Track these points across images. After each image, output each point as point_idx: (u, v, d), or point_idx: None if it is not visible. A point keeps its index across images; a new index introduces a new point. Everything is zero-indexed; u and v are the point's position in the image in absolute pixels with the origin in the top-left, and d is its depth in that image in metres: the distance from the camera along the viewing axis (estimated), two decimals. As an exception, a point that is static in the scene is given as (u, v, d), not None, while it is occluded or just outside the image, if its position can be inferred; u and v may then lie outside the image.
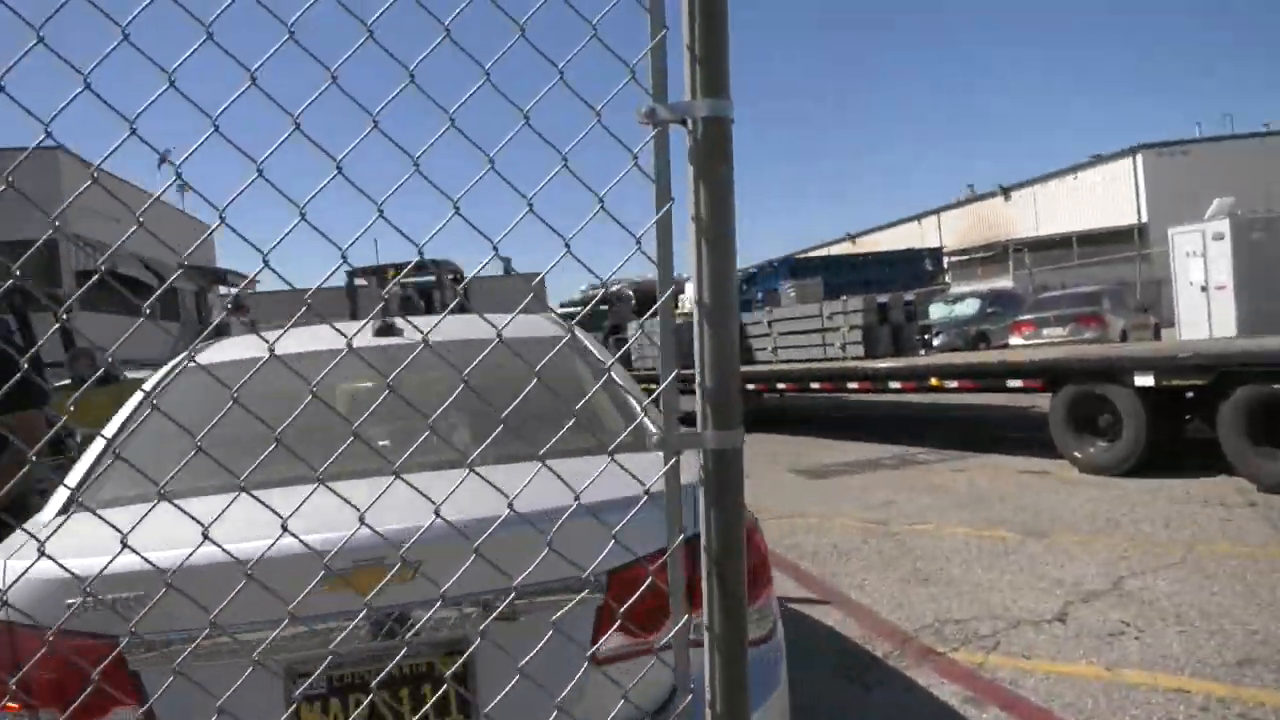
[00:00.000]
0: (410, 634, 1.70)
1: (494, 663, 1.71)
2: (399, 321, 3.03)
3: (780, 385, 12.79)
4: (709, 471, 1.22)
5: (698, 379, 1.20)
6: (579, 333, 3.08)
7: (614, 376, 2.68)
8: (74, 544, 1.79)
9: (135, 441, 2.38)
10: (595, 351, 3.07)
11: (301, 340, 2.90)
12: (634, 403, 2.60)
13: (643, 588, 1.69)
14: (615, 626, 1.78)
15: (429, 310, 14.56)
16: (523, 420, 2.25)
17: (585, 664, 1.73)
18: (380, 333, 2.97)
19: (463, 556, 1.64)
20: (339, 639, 1.64)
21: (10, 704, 1.64)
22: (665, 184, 1.17)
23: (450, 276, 13.00)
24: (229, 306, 28.23)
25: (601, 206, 1.21)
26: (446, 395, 2.39)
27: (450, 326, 2.94)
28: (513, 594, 1.66)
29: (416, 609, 1.70)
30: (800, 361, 13.08)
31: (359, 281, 14.72)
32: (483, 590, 1.71)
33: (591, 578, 1.76)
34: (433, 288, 14.60)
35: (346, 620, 1.64)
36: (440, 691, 1.72)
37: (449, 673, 1.75)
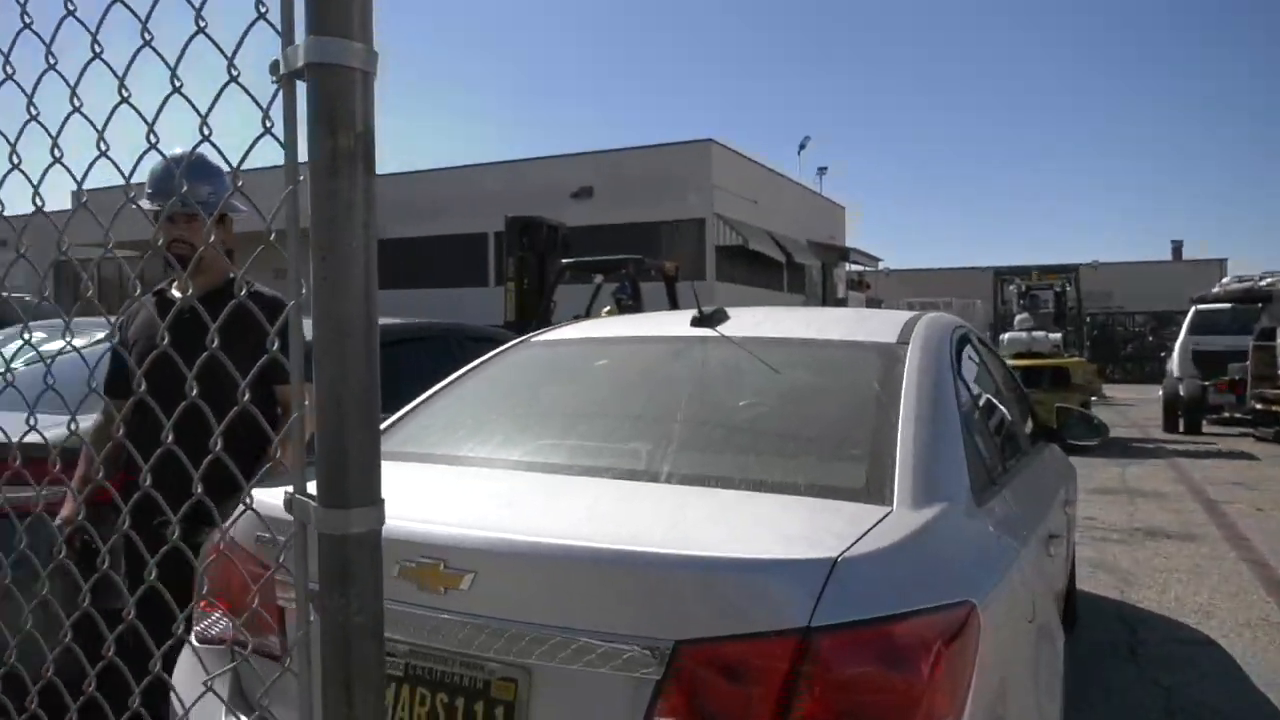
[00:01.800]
0: (459, 644, 1.57)
1: (549, 702, 1.49)
2: (723, 311, 2.80)
3: None
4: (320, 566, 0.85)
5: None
6: (921, 347, 2.38)
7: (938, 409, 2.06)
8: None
9: (439, 402, 2.60)
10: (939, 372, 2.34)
11: (625, 327, 2.88)
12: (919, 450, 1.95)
13: (711, 673, 1.35)
14: (667, 710, 1.41)
15: None
16: (777, 440, 1.96)
17: None
18: (697, 322, 2.77)
19: (527, 576, 1.49)
20: (395, 628, 1.60)
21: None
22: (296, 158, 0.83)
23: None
24: (853, 282, 29.80)
25: (237, 187, 0.91)
26: (736, 396, 2.19)
27: (782, 323, 2.64)
28: (562, 635, 1.45)
29: (477, 619, 1.56)
30: None
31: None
32: (544, 621, 1.49)
33: (642, 645, 1.42)
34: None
35: (417, 610, 1.59)
36: (489, 714, 1.56)
37: (497, 698, 1.58)
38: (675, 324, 2.69)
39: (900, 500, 1.70)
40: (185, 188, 1.13)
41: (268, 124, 0.81)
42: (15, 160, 1.11)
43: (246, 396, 0.88)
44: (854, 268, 32.52)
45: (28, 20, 1.03)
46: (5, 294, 2.00)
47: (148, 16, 0.90)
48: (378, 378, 0.79)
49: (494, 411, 2.47)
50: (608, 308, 10.25)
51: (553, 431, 2.27)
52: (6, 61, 1.07)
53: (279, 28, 0.80)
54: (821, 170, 32.59)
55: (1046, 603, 2.07)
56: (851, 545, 1.48)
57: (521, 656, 1.52)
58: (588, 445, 2.14)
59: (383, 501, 0.80)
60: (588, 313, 10.19)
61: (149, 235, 1.41)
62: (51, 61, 1.01)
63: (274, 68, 0.80)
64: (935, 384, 2.15)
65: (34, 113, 1.07)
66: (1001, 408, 3.01)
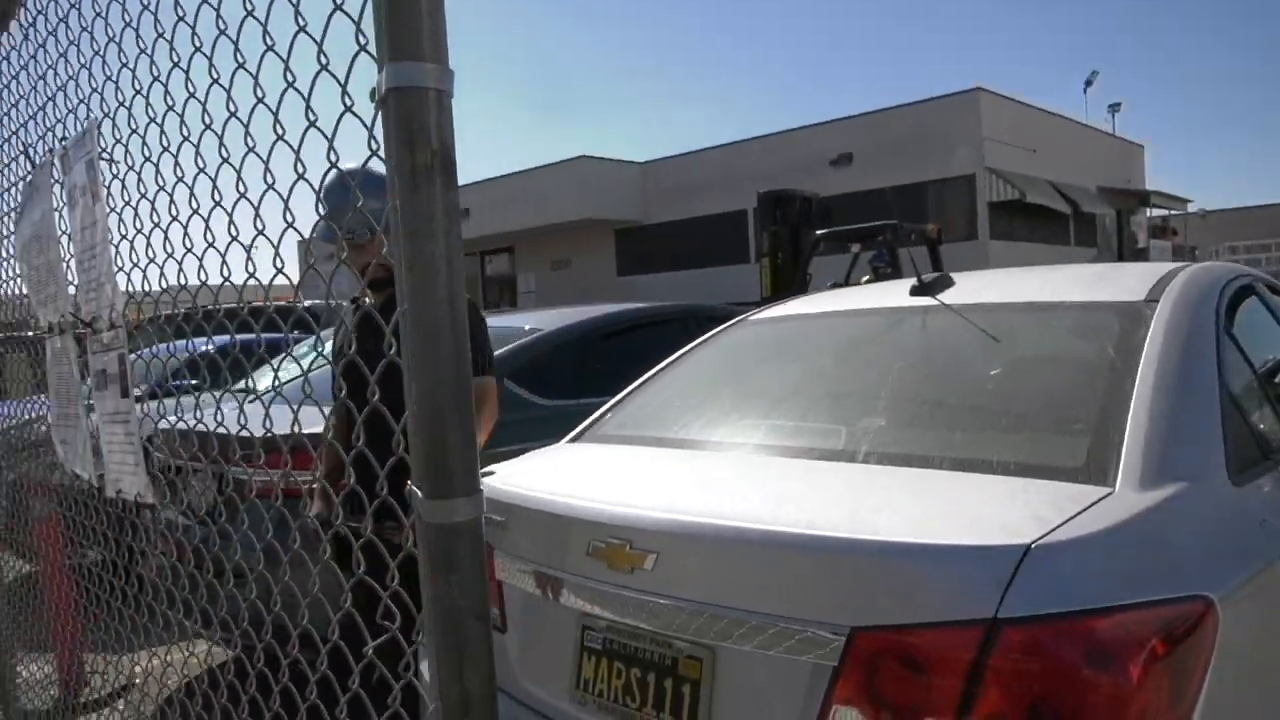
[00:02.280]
0: (647, 621, 1.62)
1: (731, 682, 1.52)
2: (948, 277, 2.64)
3: None
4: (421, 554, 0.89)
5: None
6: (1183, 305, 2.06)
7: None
8: (522, 468, 2.20)
9: (654, 385, 2.67)
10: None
11: (842, 300, 2.80)
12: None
13: (889, 661, 1.34)
14: (843, 698, 1.38)
15: None
16: (990, 415, 1.89)
17: None
18: (916, 291, 2.62)
19: (708, 558, 1.56)
20: (593, 604, 1.69)
21: None
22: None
23: None
24: (1155, 229, 26.78)
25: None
26: (949, 369, 2.13)
27: (1011, 285, 2.47)
28: (742, 617, 1.49)
29: (663, 599, 1.61)
30: None
31: None
32: (723, 603, 1.52)
33: (819, 630, 1.39)
34: None
35: (609, 588, 1.67)
36: (677, 690, 1.60)
37: (684, 675, 1.62)
38: (894, 294, 2.57)
39: (1125, 480, 1.52)
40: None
41: (373, 145, 0.88)
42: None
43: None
44: (1156, 212, 28.96)
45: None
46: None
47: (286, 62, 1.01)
48: (469, 376, 0.84)
49: (702, 393, 2.50)
50: (866, 277, 9.93)
51: (756, 412, 2.26)
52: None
53: (376, 57, 0.87)
54: (1114, 107, 29.37)
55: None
56: (1052, 530, 1.35)
57: (703, 636, 1.54)
58: (789, 425, 2.11)
59: (481, 492, 0.85)
60: (846, 283, 9.94)
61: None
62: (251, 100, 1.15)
63: (372, 94, 0.87)
64: (1187, 346, 1.88)
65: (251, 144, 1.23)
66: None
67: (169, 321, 1.88)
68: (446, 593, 0.84)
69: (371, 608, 1.05)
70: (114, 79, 1.46)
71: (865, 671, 1.36)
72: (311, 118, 0.98)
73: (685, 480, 1.87)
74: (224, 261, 1.26)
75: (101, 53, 1.49)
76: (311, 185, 1.02)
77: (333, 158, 0.96)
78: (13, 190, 2.08)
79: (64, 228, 1.71)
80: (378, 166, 0.92)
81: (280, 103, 1.03)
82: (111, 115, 1.49)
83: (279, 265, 1.24)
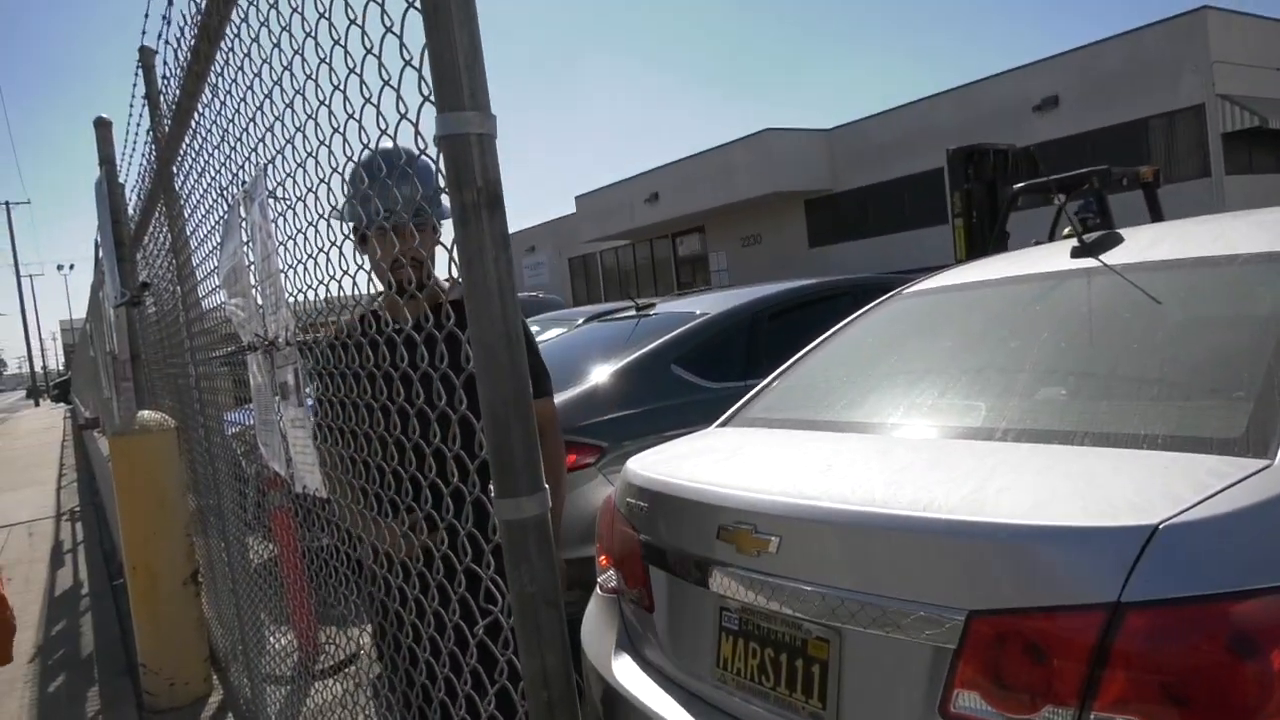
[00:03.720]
0: (776, 604, 1.66)
1: (858, 663, 1.54)
2: (1116, 234, 2.47)
3: None
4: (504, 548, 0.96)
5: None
6: None
7: None
8: (665, 454, 2.30)
9: (809, 364, 2.67)
10: None
11: (1000, 267, 2.68)
12: None
13: (1008, 645, 1.35)
14: (963, 682, 1.38)
15: None
16: (1142, 385, 1.85)
17: (936, 712, 1.42)
18: (1077, 253, 2.47)
19: (825, 542, 1.62)
20: (727, 586, 1.75)
21: (602, 558, 2.32)
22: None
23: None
24: None
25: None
26: (1103, 337, 2.08)
27: (1185, 239, 2.30)
28: (862, 600, 1.52)
29: (787, 581, 1.65)
30: None
31: None
32: (844, 586, 1.55)
33: (937, 613, 1.39)
34: None
35: (739, 571, 1.72)
36: (808, 671, 1.64)
37: (813, 656, 1.65)
38: (1055, 256, 2.44)
39: None
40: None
41: (442, 183, 0.99)
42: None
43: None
44: None
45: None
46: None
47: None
48: (528, 384, 0.93)
49: (845, 373, 2.48)
50: (1067, 229, 9.24)
51: (896, 391, 2.22)
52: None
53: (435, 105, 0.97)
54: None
55: None
56: (1189, 508, 1.27)
57: (828, 619, 1.56)
58: (927, 404, 2.06)
59: (544, 490, 0.94)
60: (1051, 238, 9.30)
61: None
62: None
63: (436, 140, 0.98)
64: None
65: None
66: None
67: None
68: (520, 581, 0.94)
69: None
70: (278, 124, 1.66)
71: (985, 655, 1.34)
72: (401, 159, 1.09)
73: (815, 463, 1.89)
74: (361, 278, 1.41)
75: (260, 106, 1.71)
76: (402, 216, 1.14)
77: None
78: (218, 229, 2.40)
79: (250, 259, 1.97)
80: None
81: (378, 146, 1.16)
82: (282, 152, 1.69)
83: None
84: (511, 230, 1.16)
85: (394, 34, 1.02)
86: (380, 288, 1.94)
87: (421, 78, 0.97)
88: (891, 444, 1.92)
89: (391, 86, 1.06)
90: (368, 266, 1.35)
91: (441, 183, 0.94)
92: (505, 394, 0.92)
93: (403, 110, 1.05)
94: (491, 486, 0.96)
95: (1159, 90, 19.25)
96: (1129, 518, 1.27)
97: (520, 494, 0.93)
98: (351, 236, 1.63)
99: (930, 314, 2.57)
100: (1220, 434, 1.51)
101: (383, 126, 1.12)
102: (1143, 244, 2.26)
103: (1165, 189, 9.87)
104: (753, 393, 2.67)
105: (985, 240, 10.21)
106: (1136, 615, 1.21)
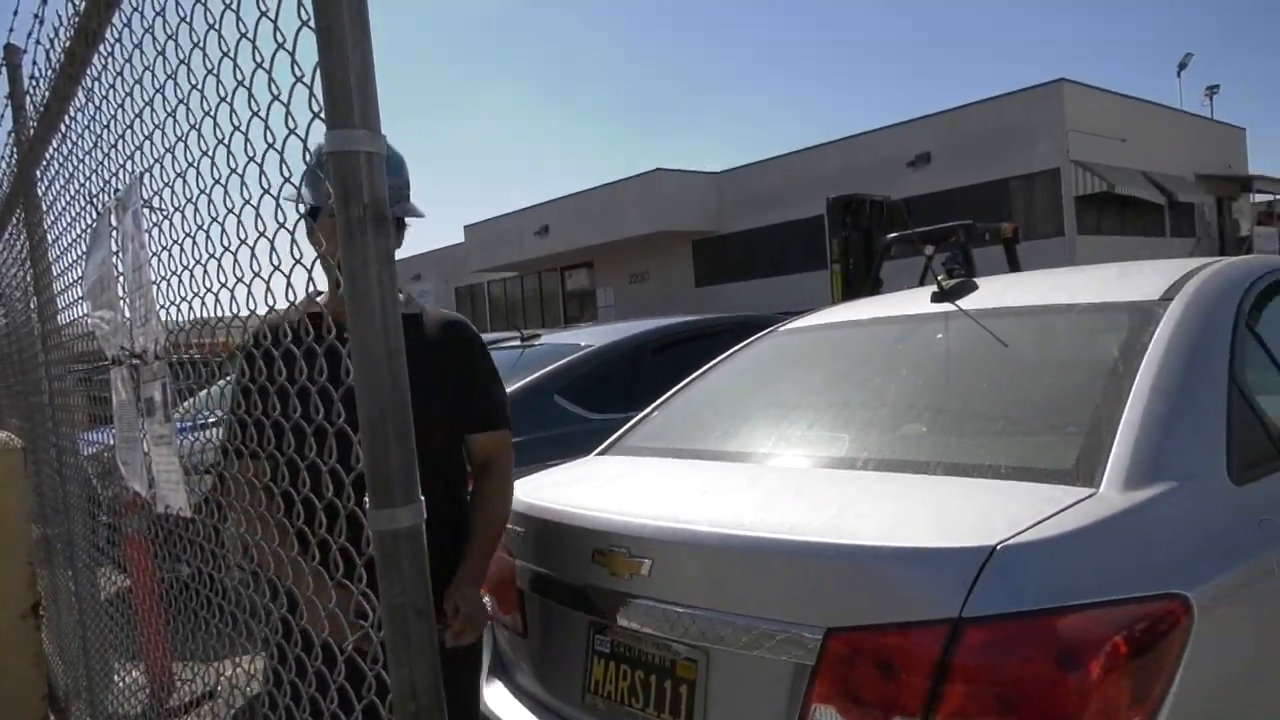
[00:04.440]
0: (646, 625, 1.70)
1: (723, 682, 1.59)
2: (971, 282, 2.65)
3: None
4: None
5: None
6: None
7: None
8: (542, 481, 2.31)
9: (687, 396, 2.74)
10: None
11: (865, 309, 2.83)
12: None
13: (861, 660, 1.41)
14: (821, 696, 1.44)
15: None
16: (988, 420, 1.95)
17: None
18: (937, 298, 2.64)
19: (695, 564, 1.65)
20: (599, 610, 1.78)
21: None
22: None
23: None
24: (1261, 216, 25.50)
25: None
26: (957, 376, 2.18)
27: (1032, 289, 2.48)
28: (728, 620, 1.57)
29: (657, 603, 1.69)
30: None
31: None
32: (711, 606, 1.60)
33: (797, 632, 1.46)
34: None
35: (612, 593, 1.75)
36: (675, 691, 1.68)
37: (681, 676, 1.69)
38: (916, 302, 2.60)
39: (1110, 481, 1.54)
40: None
41: (329, 198, 1.00)
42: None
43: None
44: (1261, 198, 27.50)
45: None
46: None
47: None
48: (407, 397, 0.95)
49: (721, 405, 2.58)
50: (940, 278, 9.76)
51: (768, 422, 2.32)
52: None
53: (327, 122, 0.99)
54: (1211, 90, 28.06)
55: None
56: (1022, 531, 1.39)
57: (696, 639, 1.62)
58: (796, 435, 2.17)
59: (419, 502, 0.95)
60: (921, 285, 9.78)
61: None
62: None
63: (324, 156, 0.99)
64: (1194, 347, 1.87)
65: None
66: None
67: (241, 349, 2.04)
68: (391, 592, 0.95)
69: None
70: (157, 132, 1.63)
71: (840, 670, 1.42)
72: (286, 173, 1.11)
73: (688, 489, 1.95)
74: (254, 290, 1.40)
75: (139, 113, 1.67)
76: (289, 230, 1.15)
77: (301, 209, 1.09)
78: (84, 238, 2.30)
79: (120, 269, 1.91)
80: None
81: (264, 160, 1.17)
82: (160, 161, 1.66)
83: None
84: (397, 257, 1.17)
85: (286, 50, 1.03)
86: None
87: (312, 94, 0.99)
88: (762, 472, 2.00)
89: (281, 102, 1.08)
90: (288, 263, 1.29)
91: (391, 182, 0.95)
92: (385, 406, 0.94)
93: (292, 125, 1.06)
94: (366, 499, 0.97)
95: (1020, 153, 20.62)
96: (970, 539, 1.38)
97: (396, 505, 0.94)
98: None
99: (802, 350, 2.70)
100: (1054, 465, 1.66)
101: (270, 140, 1.13)
102: (995, 291, 2.45)
103: (1024, 245, 10.57)
104: (632, 422, 2.73)
105: (860, 286, 10.68)
106: (975, 630, 1.31)
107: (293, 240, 1.13)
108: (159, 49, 1.50)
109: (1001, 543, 1.35)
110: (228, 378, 1.97)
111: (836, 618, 1.42)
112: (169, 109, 1.50)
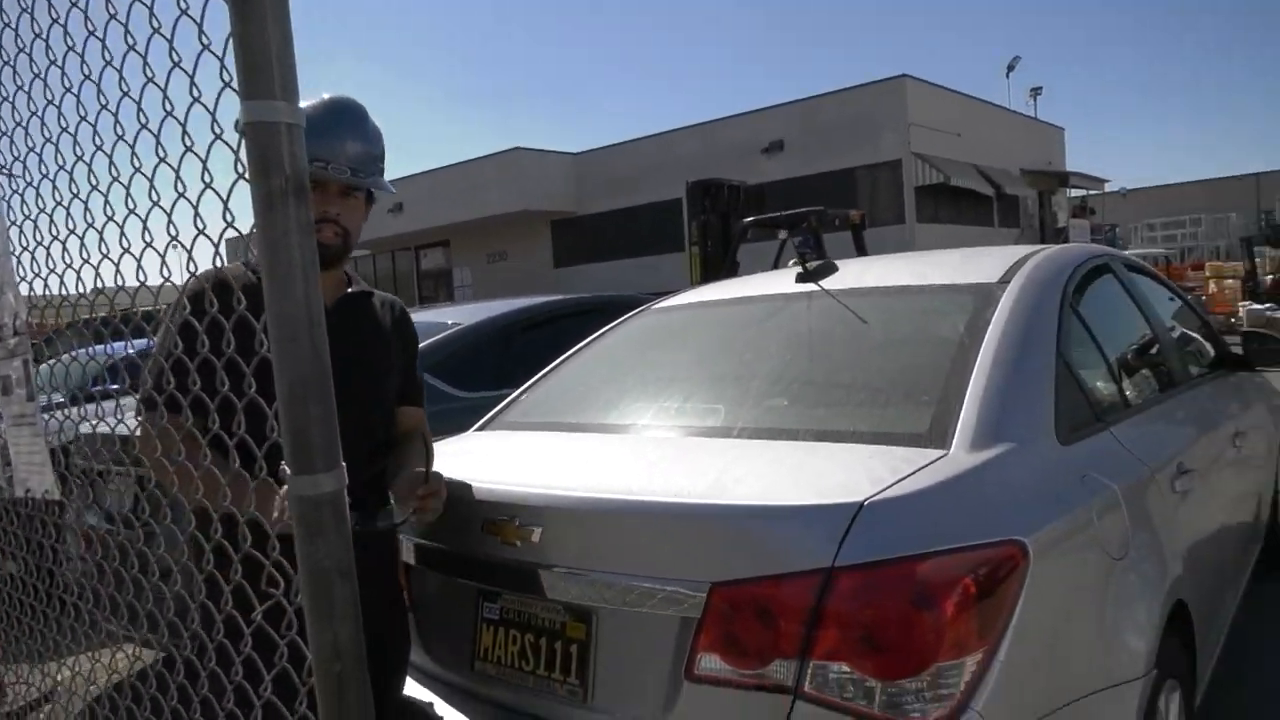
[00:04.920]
0: (536, 590, 1.76)
1: (613, 639, 1.67)
2: (831, 264, 2.82)
3: None
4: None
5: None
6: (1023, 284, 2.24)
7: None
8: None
9: (558, 373, 2.81)
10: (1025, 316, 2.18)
11: (734, 288, 2.97)
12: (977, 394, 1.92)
13: (742, 610, 1.50)
14: (706, 646, 1.54)
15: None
16: (851, 391, 2.07)
17: (683, 675, 1.57)
18: (801, 278, 2.80)
19: (584, 529, 1.70)
20: (488, 579, 1.83)
21: None
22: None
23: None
24: (1077, 209, 27.61)
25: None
26: (822, 350, 2.29)
27: (887, 271, 2.66)
28: (618, 580, 1.64)
29: (548, 568, 1.75)
30: None
31: None
32: (601, 568, 1.67)
33: (684, 587, 1.55)
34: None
35: (501, 561, 1.80)
36: (566, 651, 1.75)
37: (571, 637, 1.76)
38: (782, 281, 2.75)
39: (959, 443, 1.72)
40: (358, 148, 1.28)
41: (239, 169, 1.01)
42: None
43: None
44: (1076, 193, 29.95)
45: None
46: None
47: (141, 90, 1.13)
48: (328, 364, 0.97)
49: (598, 380, 2.65)
50: (792, 261, 10.18)
51: (645, 396, 2.42)
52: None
53: (240, 93, 0.99)
54: (1035, 91, 30.21)
55: (1157, 538, 1.99)
56: (886, 488, 1.53)
57: (585, 600, 1.69)
58: (673, 407, 2.27)
59: (341, 467, 0.98)
60: (775, 269, 10.16)
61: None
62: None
63: (236, 125, 1.00)
64: (1027, 324, 2.09)
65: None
66: (1148, 342, 2.82)
67: (88, 326, 1.95)
68: (315, 555, 0.97)
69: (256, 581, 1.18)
70: (9, 100, 1.54)
71: (724, 621, 1.53)
72: (188, 143, 1.10)
73: (572, 460, 2.02)
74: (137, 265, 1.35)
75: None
76: (190, 201, 1.13)
77: (207, 179, 1.09)
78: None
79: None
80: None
81: (160, 129, 1.15)
82: (9, 134, 1.58)
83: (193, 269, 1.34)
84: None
85: (190, 17, 1.03)
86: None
87: (223, 65, 0.99)
88: (643, 443, 2.09)
89: (183, 70, 1.07)
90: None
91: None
92: (305, 374, 0.96)
93: (196, 94, 1.06)
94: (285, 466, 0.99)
95: (866, 144, 21.63)
96: (840, 496, 1.51)
97: (318, 471, 0.97)
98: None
99: (675, 327, 2.81)
100: (910, 430, 1.82)
101: (169, 108, 1.12)
102: (854, 273, 2.63)
103: (869, 231, 11.15)
104: (509, 399, 2.77)
105: (718, 269, 10.99)
106: (846, 577, 1.44)
107: (195, 212, 1.12)
108: (25, 5, 1.42)
109: (868, 498, 1.49)
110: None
111: (720, 572, 1.53)
112: (38, 70, 1.44)
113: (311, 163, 1.36)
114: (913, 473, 1.59)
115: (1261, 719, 2.83)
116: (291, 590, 1.06)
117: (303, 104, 1.45)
